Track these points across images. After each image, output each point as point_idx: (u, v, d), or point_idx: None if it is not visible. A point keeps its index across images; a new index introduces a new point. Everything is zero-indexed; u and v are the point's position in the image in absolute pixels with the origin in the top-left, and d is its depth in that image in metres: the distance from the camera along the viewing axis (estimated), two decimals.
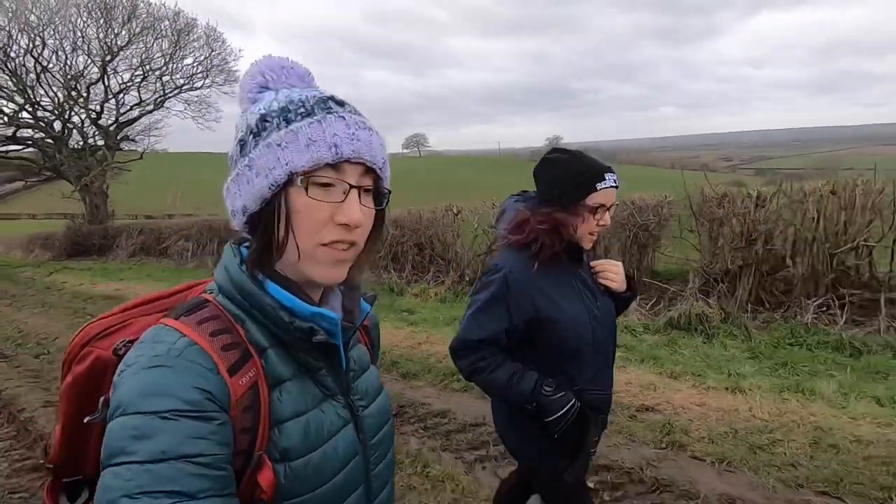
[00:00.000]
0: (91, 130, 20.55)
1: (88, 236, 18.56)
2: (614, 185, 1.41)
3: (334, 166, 0.66)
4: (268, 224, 0.68)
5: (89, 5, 18.64)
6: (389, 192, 0.75)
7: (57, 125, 20.02)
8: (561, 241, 1.40)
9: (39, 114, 19.76)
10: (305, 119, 0.66)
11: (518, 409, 1.46)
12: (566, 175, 1.42)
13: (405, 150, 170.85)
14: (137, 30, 19.73)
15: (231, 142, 0.73)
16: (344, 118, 0.68)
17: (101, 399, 0.62)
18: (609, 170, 1.42)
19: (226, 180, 0.72)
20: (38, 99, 19.53)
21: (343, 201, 0.67)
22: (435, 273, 8.01)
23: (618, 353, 1.71)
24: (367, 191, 0.70)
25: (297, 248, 0.68)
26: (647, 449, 2.94)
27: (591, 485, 2.50)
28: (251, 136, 0.68)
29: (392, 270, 8.49)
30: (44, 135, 19.83)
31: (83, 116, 20.28)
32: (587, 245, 1.46)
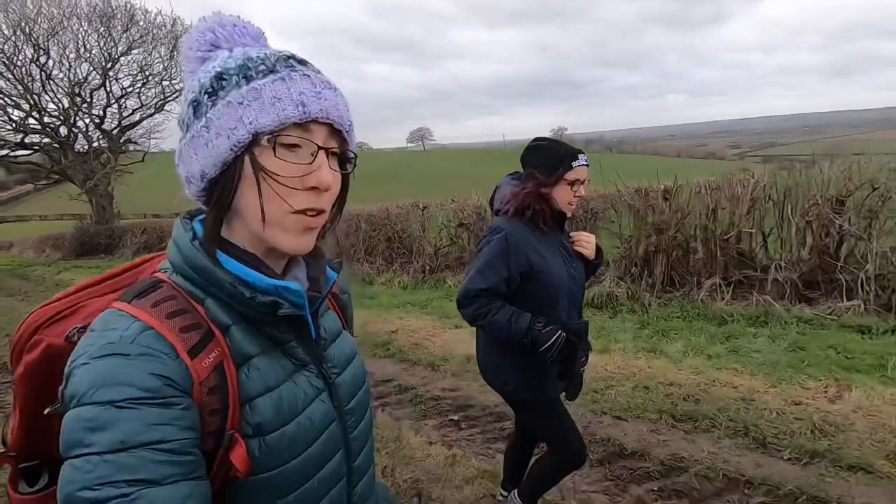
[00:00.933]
0: (96, 134, 21.59)
1: (95, 236, 19.62)
2: (585, 163, 1.76)
3: (301, 126, 0.63)
4: (228, 189, 0.64)
5: (90, 16, 19.58)
6: (356, 155, 0.72)
7: (63, 130, 21.09)
8: (549, 207, 1.75)
9: (46, 119, 20.83)
10: (268, 76, 0.63)
11: (515, 344, 1.73)
12: (549, 156, 1.76)
13: (410, 144, 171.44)
14: (136, 37, 20.68)
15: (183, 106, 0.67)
16: (309, 76, 0.65)
17: (60, 388, 0.58)
18: (581, 152, 1.77)
19: (178, 144, 0.67)
20: (44, 105, 20.59)
21: (312, 163, 0.64)
22: (401, 263, 8.82)
23: None
24: (332, 154, 0.68)
25: (264, 214, 0.64)
26: None
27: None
28: (206, 96, 0.64)
29: (365, 262, 9.33)
30: (50, 140, 20.89)
31: (87, 121, 21.35)
32: (569, 212, 1.80)
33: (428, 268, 8.32)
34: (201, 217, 0.70)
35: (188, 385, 0.58)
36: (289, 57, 0.66)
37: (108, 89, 21.06)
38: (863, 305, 4.48)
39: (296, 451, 0.67)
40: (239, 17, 0.70)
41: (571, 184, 1.74)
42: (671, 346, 4.33)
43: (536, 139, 1.85)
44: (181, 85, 17.49)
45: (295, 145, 0.64)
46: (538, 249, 1.75)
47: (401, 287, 8.02)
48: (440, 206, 9.50)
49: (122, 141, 22.09)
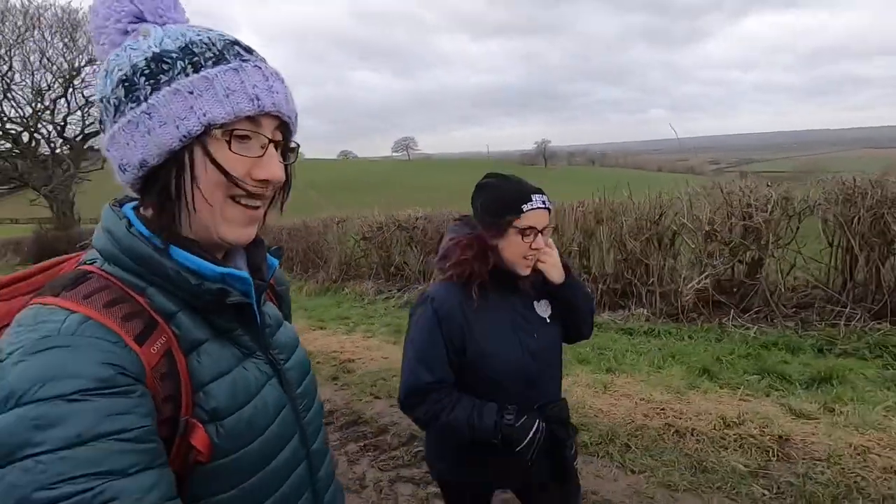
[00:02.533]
0: (58, 142, 22.04)
1: (54, 241, 19.95)
2: (543, 206, 1.36)
3: (252, 119, 0.63)
4: (170, 180, 0.62)
5: (53, 27, 20.14)
6: (298, 145, 0.72)
7: (25, 136, 21.49)
8: (486, 263, 1.36)
9: (8, 126, 21.23)
10: (219, 66, 0.62)
11: (481, 444, 1.34)
12: (494, 198, 1.39)
13: (395, 153, 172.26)
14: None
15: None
16: (260, 68, 0.64)
17: None
18: (538, 191, 1.38)
19: (106, 127, 0.64)
20: (7, 113, 21.04)
21: (262, 156, 0.64)
22: (312, 272, 9.55)
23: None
24: (277, 143, 0.68)
25: (210, 205, 0.63)
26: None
27: None
28: (143, 79, 0.61)
29: (283, 269, 9.99)
30: (11, 146, 21.30)
31: (50, 129, 21.79)
32: (523, 270, 1.39)
33: (333, 276, 9.04)
34: (132, 204, 0.68)
35: (140, 372, 0.56)
36: (233, 43, 0.65)
37: (69, 99, 21.59)
38: (645, 313, 5.31)
39: (254, 434, 0.67)
40: None
41: (523, 232, 1.35)
42: None
43: (487, 175, 1.48)
44: None
45: (245, 137, 0.63)
46: (472, 323, 1.37)
47: (305, 293, 8.73)
48: (359, 219, 10.07)
49: (85, 148, 22.53)
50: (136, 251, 0.62)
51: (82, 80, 21.58)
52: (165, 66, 0.61)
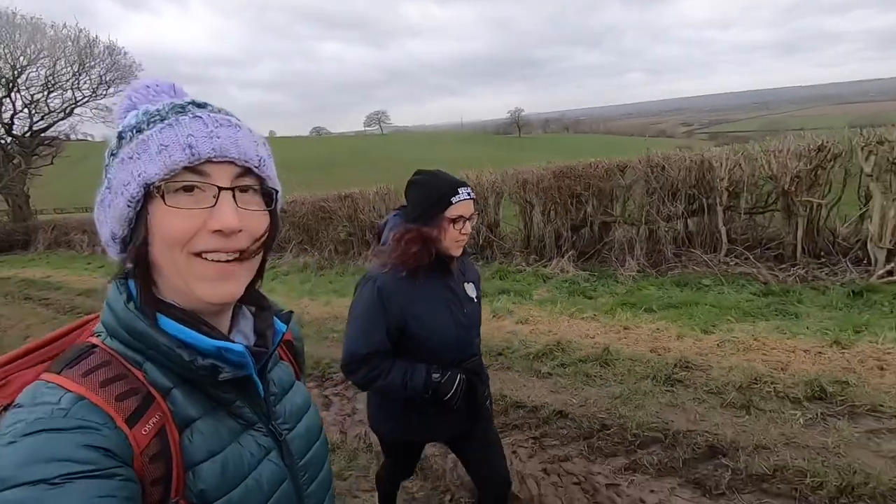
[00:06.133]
0: (7, 139, 23.28)
1: (12, 233, 21.47)
2: (468, 196, 1.60)
3: (194, 169, 0.62)
4: (138, 247, 0.63)
5: None
6: (277, 190, 0.70)
7: None
8: (429, 254, 1.58)
9: None
10: (157, 125, 0.62)
11: (414, 399, 1.61)
12: (426, 194, 1.61)
13: (368, 129, 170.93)
14: (43, 47, 22.39)
15: None
16: (201, 117, 0.63)
17: None
18: (463, 185, 1.61)
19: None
20: None
21: (214, 206, 0.62)
22: (302, 251, 10.32)
23: None
24: (253, 191, 0.67)
25: (174, 264, 0.63)
26: None
27: None
28: (110, 157, 0.64)
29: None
30: None
31: None
32: (455, 252, 1.63)
33: (325, 257, 9.74)
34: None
35: (128, 455, 0.57)
36: (186, 104, 0.65)
37: (13, 99, 22.76)
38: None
39: None
40: (156, 79, 0.70)
41: (454, 221, 1.59)
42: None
43: (417, 172, 1.69)
44: (88, 92, 21.14)
45: (193, 188, 0.62)
46: (414, 302, 1.62)
47: (297, 270, 9.41)
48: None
49: (35, 144, 23.81)
50: (133, 326, 0.63)
51: (27, 79, 22.76)
52: (123, 141, 0.63)
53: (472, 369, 1.71)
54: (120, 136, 0.64)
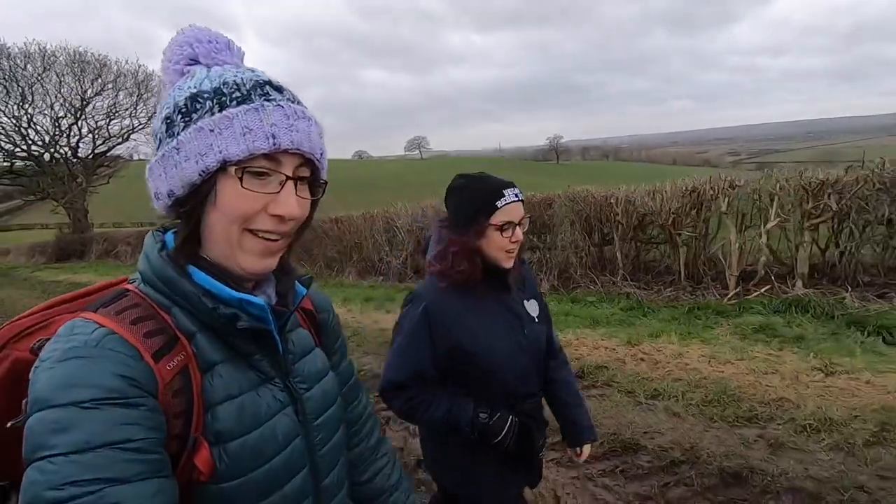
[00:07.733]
0: (73, 161, 26.52)
1: (71, 243, 24.24)
2: (516, 199, 1.41)
3: (270, 156, 0.66)
4: (195, 210, 0.68)
5: (65, 70, 24.50)
6: (326, 182, 0.75)
7: (46, 157, 26.13)
8: (476, 266, 1.41)
9: (33, 149, 25.85)
10: (242, 105, 0.65)
11: (461, 436, 1.43)
12: (467, 200, 1.43)
13: (408, 153, 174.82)
14: (108, 80, 25.64)
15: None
16: (283, 107, 0.66)
17: (24, 401, 0.58)
18: (509, 185, 1.42)
19: (150, 159, 0.70)
20: (31, 138, 25.67)
21: (279, 192, 0.67)
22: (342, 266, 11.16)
23: None
24: (302, 179, 0.70)
25: (227, 235, 0.67)
26: None
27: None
28: (179, 116, 0.66)
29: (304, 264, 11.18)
30: (34, 164, 25.98)
31: (65, 150, 26.32)
32: (507, 263, 1.43)
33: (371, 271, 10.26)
34: (175, 230, 0.72)
35: (153, 387, 0.60)
36: (265, 83, 0.68)
37: (80, 126, 26.12)
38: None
39: (257, 462, 0.69)
40: (210, 29, 0.71)
41: (501, 228, 1.39)
42: None
43: (457, 176, 1.49)
44: (145, 119, 25.01)
45: (263, 174, 0.66)
46: (467, 322, 1.43)
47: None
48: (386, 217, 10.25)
49: (95, 166, 26.95)
50: (163, 273, 0.68)
51: (93, 108, 26.03)
52: (198, 106, 0.66)
53: (529, 412, 1.52)
54: (195, 99, 0.66)
